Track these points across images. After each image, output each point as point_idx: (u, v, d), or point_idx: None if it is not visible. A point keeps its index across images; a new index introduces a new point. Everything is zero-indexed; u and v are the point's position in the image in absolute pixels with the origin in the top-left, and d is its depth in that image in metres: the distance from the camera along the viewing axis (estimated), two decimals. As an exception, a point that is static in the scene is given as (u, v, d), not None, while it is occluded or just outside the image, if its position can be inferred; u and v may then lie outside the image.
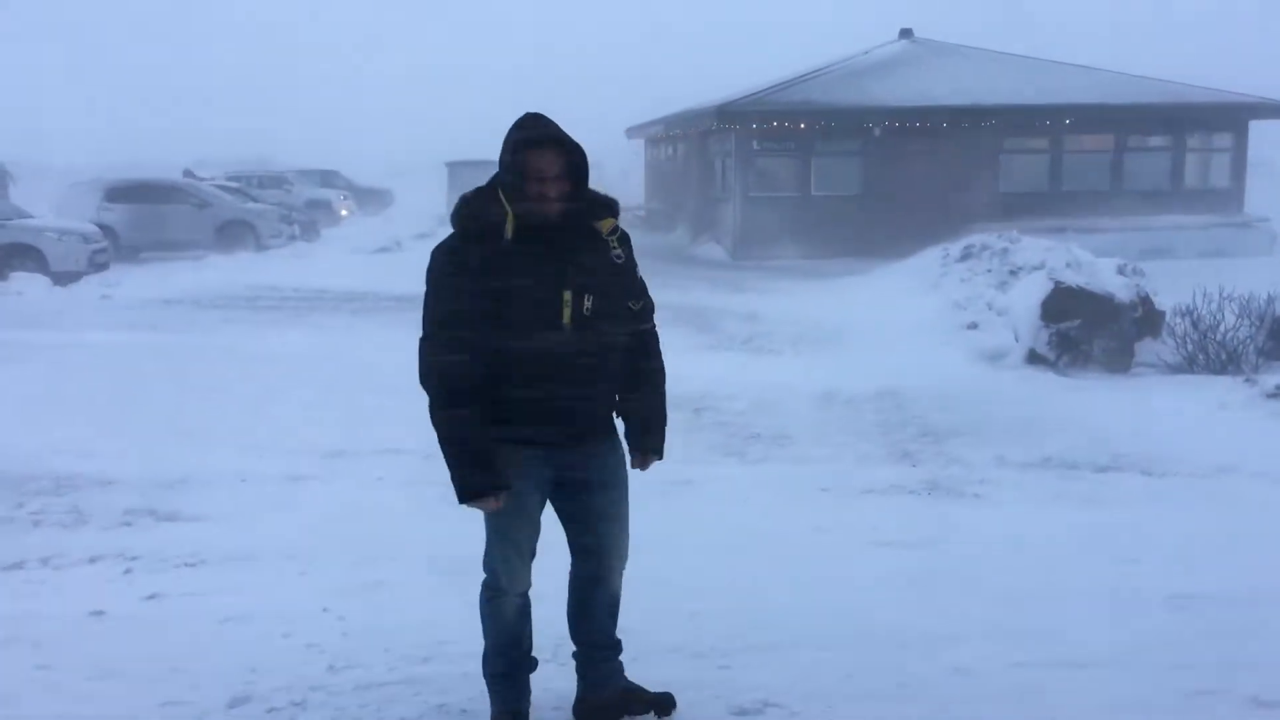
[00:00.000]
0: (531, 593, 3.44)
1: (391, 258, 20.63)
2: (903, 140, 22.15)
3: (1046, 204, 22.26)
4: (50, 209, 20.99)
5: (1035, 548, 5.36)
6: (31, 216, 18.17)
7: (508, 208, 3.09)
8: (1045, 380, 9.80)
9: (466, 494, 3.13)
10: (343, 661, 4.01)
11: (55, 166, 35.08)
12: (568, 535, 3.45)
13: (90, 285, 16.37)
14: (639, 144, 33.64)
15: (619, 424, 3.46)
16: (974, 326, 12.23)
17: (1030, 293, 10.92)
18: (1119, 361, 10.53)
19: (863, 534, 5.52)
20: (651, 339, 3.44)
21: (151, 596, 4.71)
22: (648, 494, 6.11)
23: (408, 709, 3.62)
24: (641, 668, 3.90)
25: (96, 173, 25.93)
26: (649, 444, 3.45)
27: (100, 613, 4.49)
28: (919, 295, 13.71)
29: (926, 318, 12.59)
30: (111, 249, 19.02)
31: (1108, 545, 5.42)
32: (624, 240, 3.29)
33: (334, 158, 39.11)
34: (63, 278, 16.43)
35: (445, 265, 3.12)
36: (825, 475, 6.71)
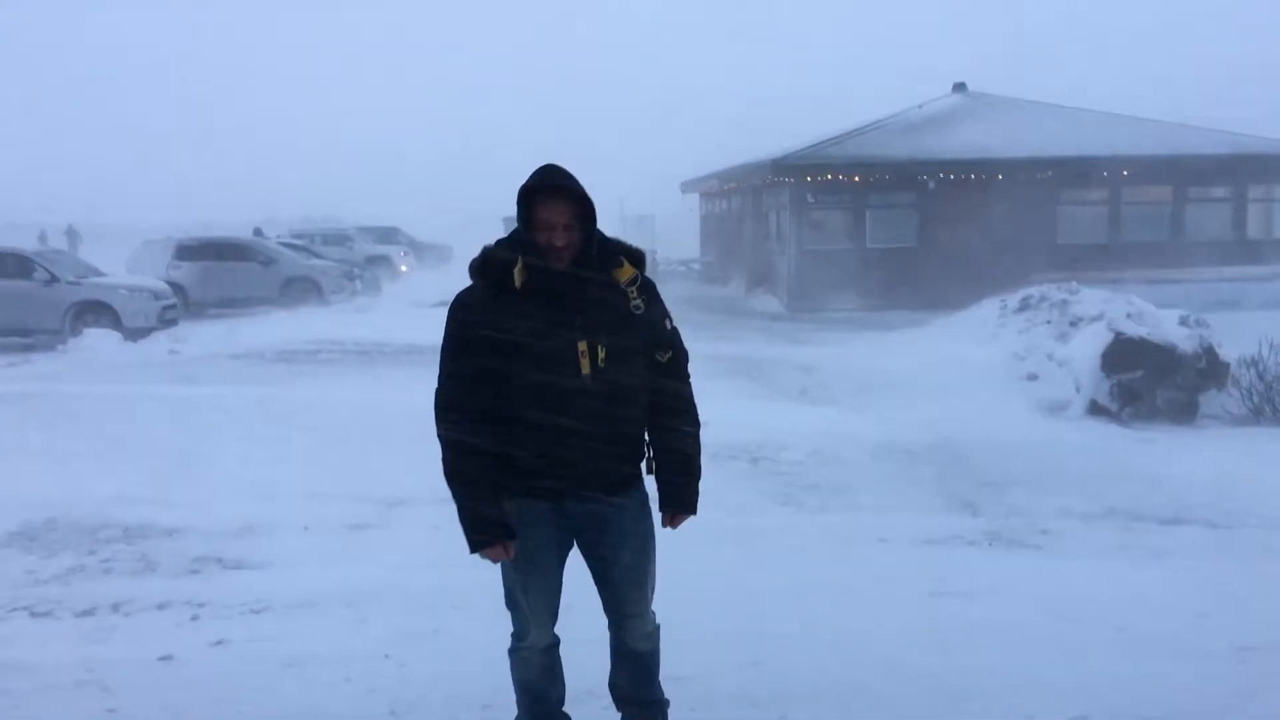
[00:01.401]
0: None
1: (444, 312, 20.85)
2: (958, 192, 22.11)
3: (1105, 256, 22.03)
4: (121, 267, 21.63)
5: (1100, 599, 5.27)
6: (104, 274, 18.72)
7: (520, 258, 3.06)
8: (1108, 431, 9.67)
9: (473, 544, 3.12)
10: (403, 707, 4.05)
11: (122, 226, 36.13)
12: (597, 588, 3.40)
13: (160, 340, 16.78)
14: (694, 198, 33.92)
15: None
16: (1034, 378, 12.11)
17: (1091, 343, 10.81)
18: (1183, 413, 10.36)
19: (923, 584, 5.47)
20: (682, 391, 3.31)
21: (218, 642, 4.79)
22: (707, 542, 6.16)
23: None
24: (701, 715, 3.91)
25: (166, 231, 26.69)
26: (677, 503, 3.33)
27: (169, 657, 4.58)
28: (977, 346, 13.62)
29: (985, 369, 12.48)
30: (180, 305, 19.52)
31: (1175, 598, 5.32)
32: (646, 289, 3.20)
33: (395, 214, 39.84)
34: (134, 333, 16.87)
35: (458, 315, 3.12)
36: (884, 525, 6.67)
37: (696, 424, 3.35)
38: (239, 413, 10.45)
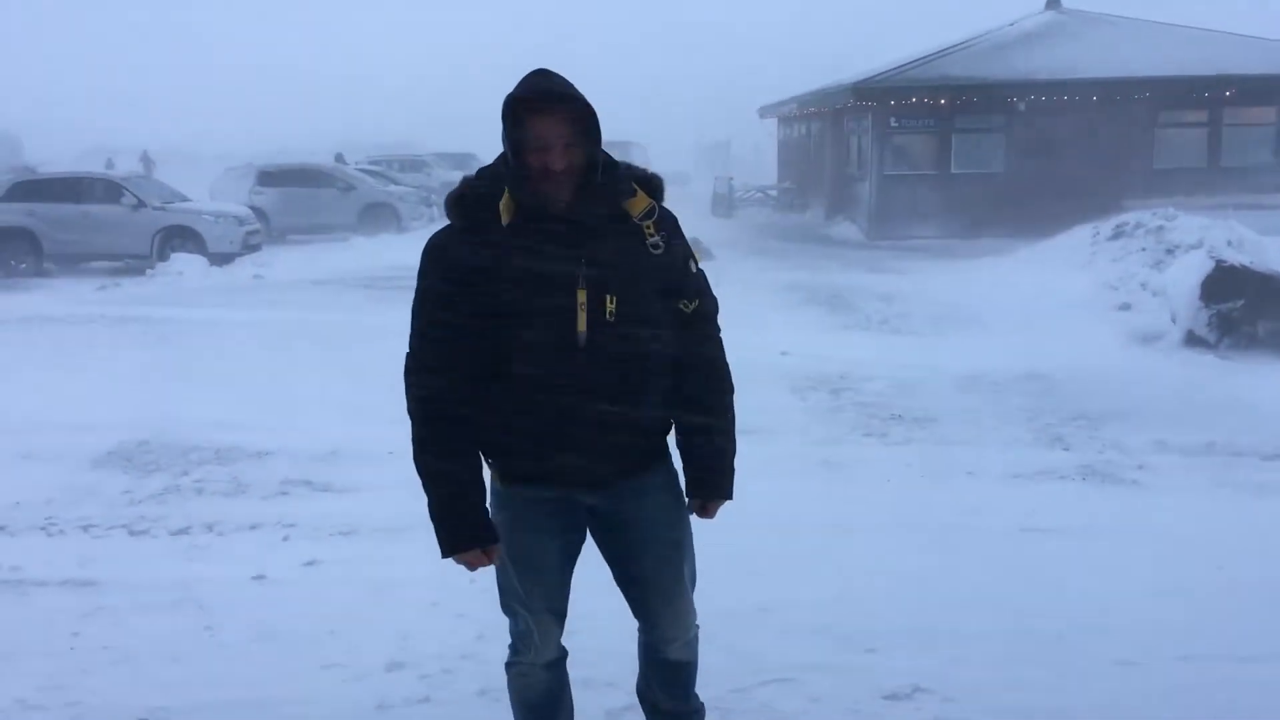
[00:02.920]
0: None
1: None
2: (1049, 115, 21.36)
3: (1204, 181, 21.14)
4: (205, 193, 21.97)
5: (1199, 537, 5.10)
6: (189, 200, 19.03)
7: (504, 189, 2.47)
8: (1205, 363, 9.32)
9: (447, 547, 2.54)
10: (491, 631, 4.06)
11: (200, 152, 36.68)
12: (623, 594, 2.82)
13: (244, 266, 17.08)
14: (772, 123, 33.35)
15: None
16: (1126, 307, 11.76)
17: (1189, 272, 10.39)
18: (1286, 345, 9.94)
19: (1014, 520, 5.34)
20: (713, 350, 2.71)
21: (310, 563, 4.87)
22: (789, 473, 6.10)
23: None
24: (786, 649, 3.87)
25: (246, 158, 27.01)
26: (709, 490, 2.72)
27: (261, 577, 4.67)
28: (1067, 275, 13.25)
29: (1075, 298, 12.16)
30: (263, 231, 19.79)
31: (1276, 534, 5.14)
32: (665, 223, 2.58)
33: (470, 141, 39.79)
34: (219, 258, 17.17)
35: (433, 260, 2.51)
36: (971, 458, 6.52)
37: (730, 388, 2.74)
38: (324, 338, 10.61)
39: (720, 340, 2.75)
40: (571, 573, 2.73)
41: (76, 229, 17.24)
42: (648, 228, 2.54)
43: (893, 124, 22.03)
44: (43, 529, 5.34)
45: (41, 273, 17.18)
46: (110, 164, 32.32)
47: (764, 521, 4.80)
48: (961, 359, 9.48)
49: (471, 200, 2.50)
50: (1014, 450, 6.74)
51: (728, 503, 2.77)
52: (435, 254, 2.51)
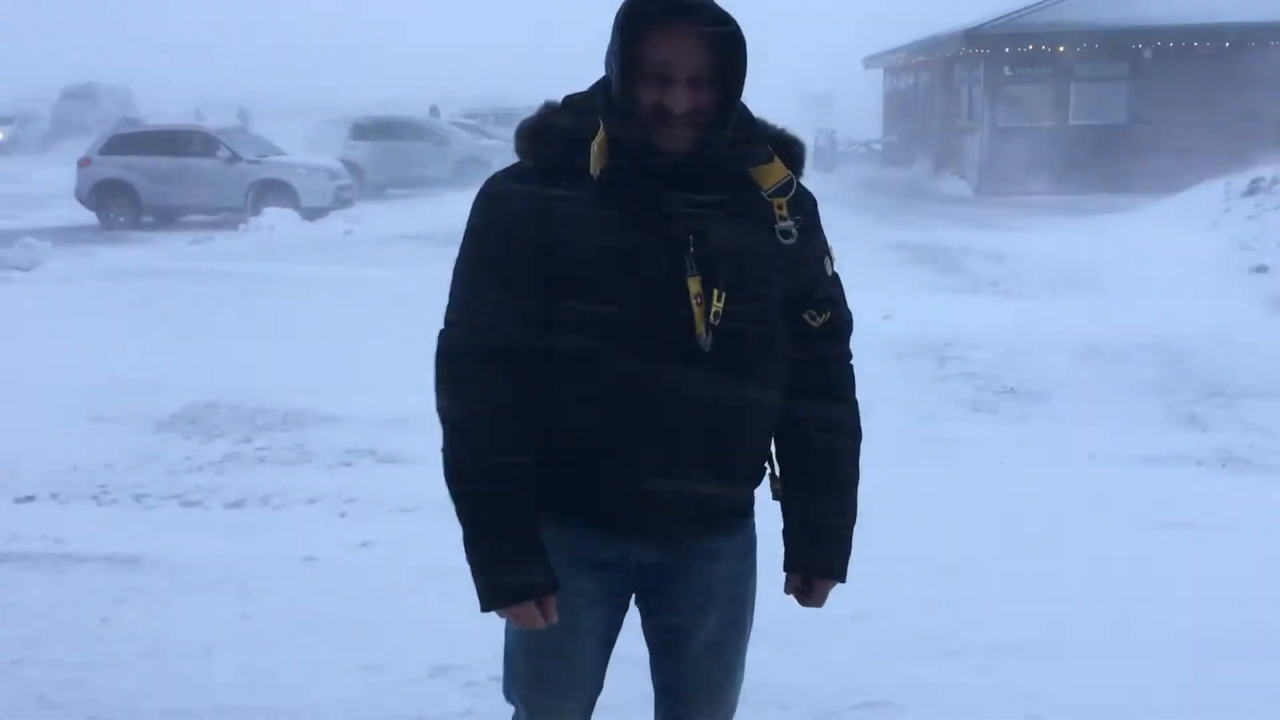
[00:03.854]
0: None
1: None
2: (1178, 63, 20.07)
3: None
4: (300, 146, 21.97)
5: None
6: (283, 153, 19.00)
7: (602, 128, 1.81)
8: (1356, 333, 8.47)
9: (494, 598, 1.85)
10: (550, 631, 3.67)
11: (302, 106, 36.91)
12: (650, 658, 2.14)
13: (335, 220, 16.95)
14: (877, 74, 32.32)
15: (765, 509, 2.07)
16: (1263, 269, 10.81)
17: (1338, 232, 9.47)
18: None
19: (1145, 512, 4.74)
20: (841, 380, 2.03)
21: (364, 544, 4.54)
22: (886, 454, 5.53)
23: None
24: (887, 661, 3.40)
25: (343, 110, 27.02)
26: (819, 567, 2.00)
27: (312, 559, 4.35)
28: (1195, 234, 12.31)
29: (1205, 259, 11.24)
30: (356, 185, 19.69)
31: None
32: (802, 205, 1.91)
33: (567, 92, 39.38)
34: (311, 213, 17.08)
35: (490, 215, 1.87)
36: (1093, 438, 5.90)
37: (859, 431, 2.03)
38: (407, 296, 10.31)
39: (852, 369, 2.05)
40: (609, 656, 2.05)
41: (173, 182, 17.34)
42: (779, 207, 1.86)
43: (1007, 73, 21.22)
44: (94, 497, 5.11)
45: (139, 225, 17.32)
46: (199, 114, 32.60)
47: (865, 509, 4.31)
48: (1080, 325, 8.78)
49: (553, 135, 1.85)
50: (1141, 430, 6.10)
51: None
52: (494, 206, 1.86)
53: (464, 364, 1.85)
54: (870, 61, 31.18)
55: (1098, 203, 17.14)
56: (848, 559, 2.01)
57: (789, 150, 1.91)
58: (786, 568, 2.03)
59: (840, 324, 2.01)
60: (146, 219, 17.56)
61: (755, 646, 2.15)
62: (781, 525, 2.03)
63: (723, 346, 1.80)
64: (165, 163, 17.40)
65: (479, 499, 1.84)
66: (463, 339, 1.86)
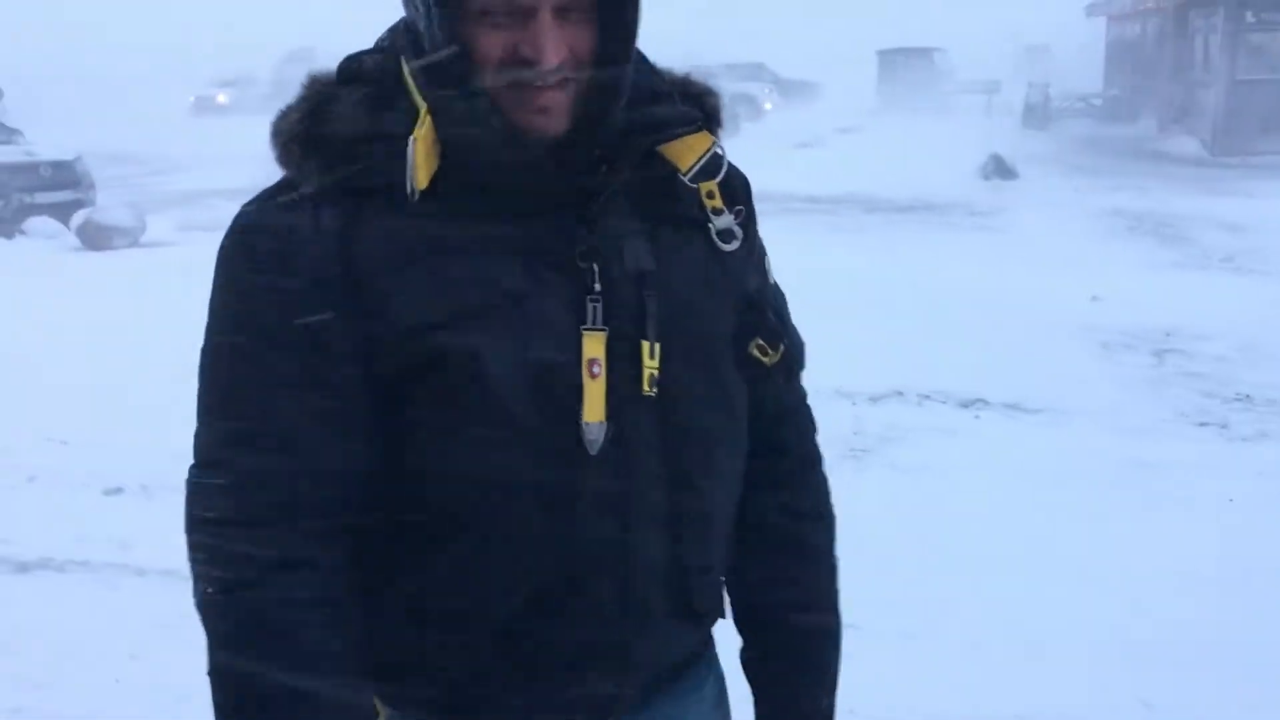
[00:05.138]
0: None
1: (811, 153, 19.70)
2: None
3: None
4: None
5: None
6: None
7: (423, 113, 1.05)
8: None
9: None
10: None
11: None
12: None
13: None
14: (1100, 23, 30.51)
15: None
16: None
17: None
18: None
19: None
20: (808, 442, 1.36)
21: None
22: (1082, 483, 4.56)
23: None
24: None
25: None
26: (803, 708, 1.34)
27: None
28: None
29: None
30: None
31: None
32: (736, 191, 1.22)
33: (761, 50, 38.39)
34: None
35: (255, 288, 1.06)
36: (1357, 469, 4.75)
37: (831, 516, 1.36)
38: None
39: (814, 421, 1.37)
40: None
41: None
42: (709, 195, 1.17)
43: (1249, 19, 19.52)
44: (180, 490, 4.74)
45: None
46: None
47: (1030, 569, 3.43)
48: (1336, 314, 7.45)
49: (342, 137, 1.07)
50: None
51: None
52: (262, 262, 1.06)
53: (232, 535, 1.04)
54: (1093, 9, 30.08)
55: (1357, 165, 15.21)
56: (834, 696, 1.35)
57: (702, 105, 1.20)
58: (759, 716, 1.36)
59: (795, 355, 1.29)
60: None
61: None
62: (745, 663, 1.35)
63: (671, 417, 1.13)
64: None
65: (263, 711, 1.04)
66: (214, 473, 1.06)
